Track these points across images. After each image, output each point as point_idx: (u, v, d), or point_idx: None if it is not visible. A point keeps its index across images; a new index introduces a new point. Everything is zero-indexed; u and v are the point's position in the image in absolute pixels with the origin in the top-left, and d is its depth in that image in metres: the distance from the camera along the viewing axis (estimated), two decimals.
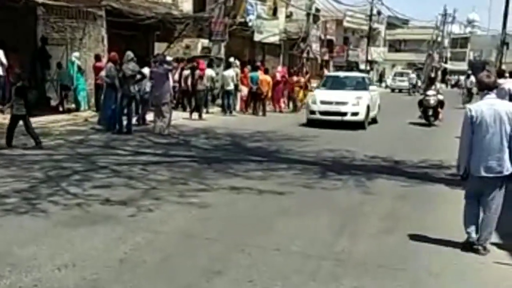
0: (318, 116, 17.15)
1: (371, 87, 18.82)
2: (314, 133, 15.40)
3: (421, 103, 19.63)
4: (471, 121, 5.65)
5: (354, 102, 17.03)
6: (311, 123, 17.22)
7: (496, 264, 5.50)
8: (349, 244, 5.93)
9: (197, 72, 18.64)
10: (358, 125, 16.79)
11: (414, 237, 6.27)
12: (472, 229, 5.84)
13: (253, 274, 4.92)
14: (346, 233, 6.36)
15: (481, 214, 5.81)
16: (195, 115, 18.04)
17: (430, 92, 19.44)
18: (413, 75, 50.52)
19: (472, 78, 30.95)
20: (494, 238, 6.18)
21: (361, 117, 17.02)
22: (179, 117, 17.29)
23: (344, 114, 16.87)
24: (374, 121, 18.65)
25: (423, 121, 19.23)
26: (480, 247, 5.77)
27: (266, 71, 22.12)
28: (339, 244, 5.92)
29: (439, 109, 19.30)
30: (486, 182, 5.71)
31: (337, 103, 17.00)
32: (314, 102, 17.43)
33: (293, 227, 6.49)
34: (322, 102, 17.21)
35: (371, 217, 7.10)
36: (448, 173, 10.19)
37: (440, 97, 19.51)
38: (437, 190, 8.92)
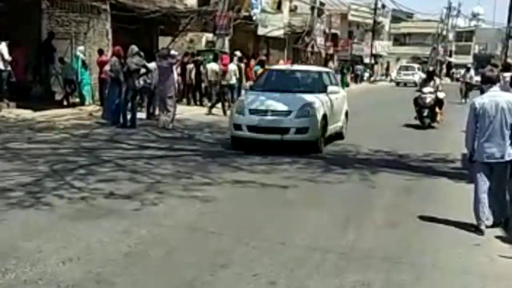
0: (245, 133, 11.06)
1: (331, 88, 12.42)
2: None
3: (416, 102, 16.64)
4: (475, 113, 6.19)
5: (301, 112, 10.96)
6: (236, 143, 11.42)
7: (502, 258, 5.48)
8: (354, 238, 5.93)
9: (218, 66, 18.57)
10: (308, 147, 11.05)
11: (419, 231, 6.28)
12: (483, 217, 6.18)
13: (257, 268, 4.92)
14: (351, 226, 6.36)
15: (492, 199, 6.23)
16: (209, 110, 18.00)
17: (426, 89, 16.43)
18: (431, 68, 50.03)
19: (472, 72, 30.53)
20: (500, 231, 6.20)
21: (312, 134, 10.99)
22: (190, 111, 17.32)
23: (285, 130, 10.83)
24: (338, 136, 13.09)
25: (418, 122, 16.47)
26: (499, 225, 6.27)
27: (262, 64, 21.78)
28: (344, 237, 5.92)
29: (438, 109, 16.57)
30: (491, 168, 6.18)
31: (275, 113, 10.99)
32: (241, 112, 11.24)
33: (297, 221, 6.49)
34: (253, 112, 11.06)
35: (375, 210, 7.10)
36: (452, 167, 10.18)
37: (440, 95, 16.63)
38: (442, 184, 8.91)
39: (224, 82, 18.14)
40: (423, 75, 42.95)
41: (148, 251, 5.25)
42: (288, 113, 10.99)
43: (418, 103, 16.47)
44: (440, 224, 6.51)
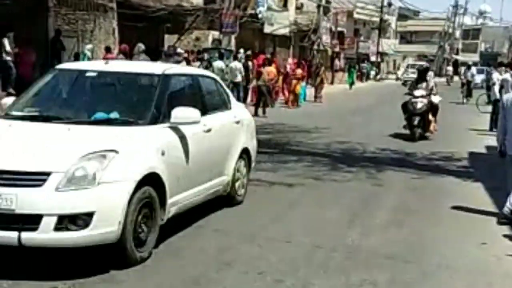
0: None
1: (179, 113, 5.32)
2: (324, 125, 15.23)
3: (406, 107, 13.66)
4: (503, 107, 6.67)
5: (77, 175, 4.36)
6: None
7: (508, 257, 5.46)
8: (360, 236, 5.92)
9: (223, 64, 18.60)
10: (98, 256, 4.71)
11: (425, 230, 6.25)
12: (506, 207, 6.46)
13: (262, 266, 4.91)
14: (357, 225, 6.35)
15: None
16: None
17: (418, 92, 13.49)
18: (450, 68, 49.90)
19: (473, 70, 29.98)
20: (508, 230, 6.17)
21: (105, 227, 4.39)
22: None
23: (31, 220, 4.21)
24: (223, 200, 6.74)
25: (408, 132, 13.52)
26: (500, 213, 6.57)
27: (268, 62, 21.66)
28: (350, 236, 5.91)
29: (431, 117, 13.65)
30: None
31: (10, 177, 4.31)
32: None
33: (303, 219, 6.48)
34: None
35: (381, 209, 7.08)
36: (459, 165, 10.14)
37: (435, 99, 13.77)
38: (448, 183, 8.88)
39: (260, 83, 18.16)
40: (431, 74, 42.18)
41: (153, 249, 5.24)
42: (42, 177, 4.40)
43: (408, 109, 13.51)
44: (446, 223, 6.50)
